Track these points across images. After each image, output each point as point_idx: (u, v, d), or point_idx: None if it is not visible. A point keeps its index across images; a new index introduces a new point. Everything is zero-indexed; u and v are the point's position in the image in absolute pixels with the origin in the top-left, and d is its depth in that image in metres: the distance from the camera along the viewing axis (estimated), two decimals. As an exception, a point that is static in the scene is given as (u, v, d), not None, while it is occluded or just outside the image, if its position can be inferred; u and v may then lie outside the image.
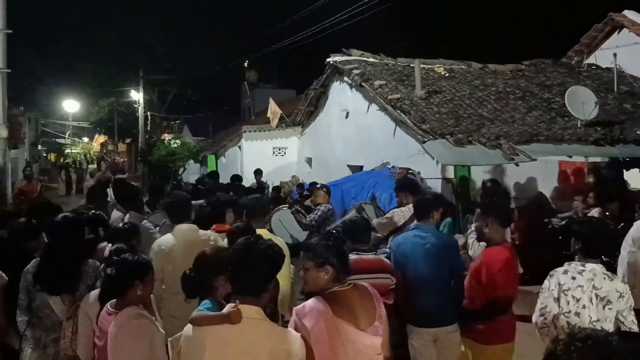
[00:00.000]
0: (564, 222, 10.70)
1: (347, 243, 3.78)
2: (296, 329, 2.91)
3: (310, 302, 3.01)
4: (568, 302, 3.88)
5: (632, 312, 3.89)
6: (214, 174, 13.17)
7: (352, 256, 4.34)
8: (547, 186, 11.24)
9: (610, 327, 3.81)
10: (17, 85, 25.20)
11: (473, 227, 6.43)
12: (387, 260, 4.61)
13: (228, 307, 2.62)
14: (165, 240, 5.05)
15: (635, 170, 12.24)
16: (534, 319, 4.12)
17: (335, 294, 3.04)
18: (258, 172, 14.08)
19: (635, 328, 3.79)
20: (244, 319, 2.57)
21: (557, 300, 3.93)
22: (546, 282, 4.05)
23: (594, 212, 9.31)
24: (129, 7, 35.46)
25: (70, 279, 4.33)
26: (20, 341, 4.39)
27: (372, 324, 3.11)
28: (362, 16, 16.16)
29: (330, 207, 8.01)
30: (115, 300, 3.52)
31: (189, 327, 2.74)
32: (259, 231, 4.95)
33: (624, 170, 12.34)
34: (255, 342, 2.56)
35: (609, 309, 3.83)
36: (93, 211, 6.35)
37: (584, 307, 3.84)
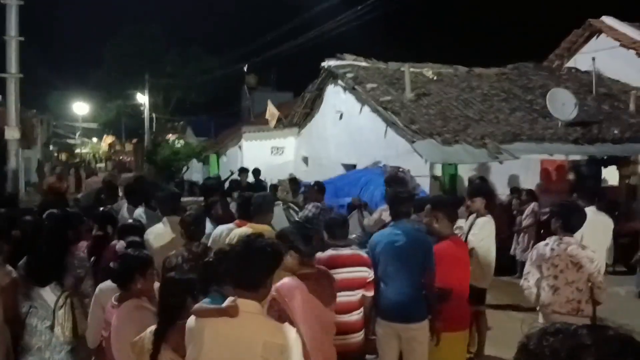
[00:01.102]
0: (546, 217, 10.71)
1: (319, 234, 3.94)
2: (274, 303, 3.06)
3: (288, 280, 3.32)
4: (548, 268, 4.60)
5: (601, 274, 4.65)
6: (244, 170, 13.14)
7: (330, 252, 4.38)
8: (529, 183, 11.24)
9: (583, 287, 4.55)
10: (30, 89, 25.15)
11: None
12: (365, 255, 4.55)
13: (227, 301, 2.61)
14: (158, 228, 5.42)
15: (613, 167, 12.28)
16: (521, 283, 4.88)
17: (305, 275, 3.47)
18: (256, 172, 14.04)
19: (602, 286, 4.59)
20: (242, 313, 2.55)
21: (539, 267, 4.66)
22: (530, 253, 4.81)
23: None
24: (135, 15, 35.42)
25: (55, 271, 4.44)
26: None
27: (332, 303, 3.55)
28: (356, 23, 16.16)
29: (321, 206, 7.85)
30: (118, 294, 3.51)
31: (191, 318, 2.72)
32: (262, 227, 4.91)
33: (602, 168, 12.38)
34: (250, 335, 2.54)
35: (582, 272, 4.53)
36: (102, 209, 6.36)
37: (561, 271, 4.56)
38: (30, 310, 4.39)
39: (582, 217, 4.83)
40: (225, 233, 5.16)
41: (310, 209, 7.76)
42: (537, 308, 4.90)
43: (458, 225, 6.40)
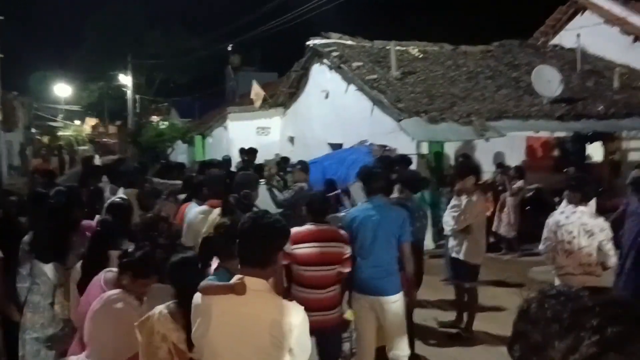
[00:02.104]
0: (531, 193, 10.81)
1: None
2: None
3: None
4: (562, 234, 5.05)
5: (611, 242, 4.96)
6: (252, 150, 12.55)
7: (308, 226, 4.43)
8: (515, 160, 11.30)
9: (594, 253, 4.95)
10: (10, 71, 24.75)
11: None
12: (342, 231, 4.57)
13: (234, 279, 2.57)
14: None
15: (597, 144, 12.37)
16: (540, 248, 5.39)
17: None
18: (244, 152, 13.93)
19: (612, 253, 4.97)
20: (249, 291, 2.51)
21: (554, 233, 5.10)
22: (548, 220, 5.22)
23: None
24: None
25: (60, 249, 4.45)
26: (23, 307, 4.48)
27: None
28: (340, 1, 16.00)
29: (305, 186, 7.79)
30: (113, 275, 3.44)
31: (197, 296, 2.70)
32: None
33: (587, 144, 12.48)
34: (257, 313, 2.51)
35: (593, 239, 4.92)
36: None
37: (574, 237, 4.98)
38: (32, 287, 4.41)
39: (596, 187, 5.60)
40: (201, 214, 5.19)
41: (289, 191, 7.74)
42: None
43: (455, 204, 6.43)
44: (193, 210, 5.46)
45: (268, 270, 2.60)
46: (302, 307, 2.62)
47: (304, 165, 8.09)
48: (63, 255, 4.43)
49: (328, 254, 4.35)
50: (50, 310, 4.37)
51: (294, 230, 4.23)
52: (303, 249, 4.32)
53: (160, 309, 3.01)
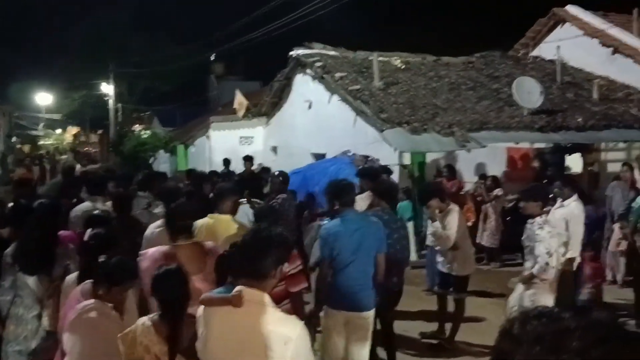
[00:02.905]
0: (512, 204, 10.89)
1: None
2: None
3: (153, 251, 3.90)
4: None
5: (544, 251, 5.17)
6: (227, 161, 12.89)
7: None
8: (496, 170, 11.40)
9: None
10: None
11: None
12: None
13: (234, 291, 2.60)
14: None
15: (576, 155, 12.52)
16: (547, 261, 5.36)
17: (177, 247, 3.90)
18: (226, 162, 13.91)
19: (539, 260, 5.13)
20: (247, 302, 2.54)
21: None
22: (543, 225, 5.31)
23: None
24: (98, 2, 34.68)
25: (45, 261, 4.41)
26: (4, 319, 4.43)
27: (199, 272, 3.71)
28: (324, 11, 16.08)
29: (286, 197, 7.74)
30: (88, 287, 3.44)
31: (201, 307, 2.75)
32: (223, 218, 4.89)
33: (566, 155, 12.62)
34: (254, 324, 2.52)
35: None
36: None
37: (526, 246, 5.42)
38: (14, 299, 4.35)
39: (545, 194, 5.90)
40: (156, 228, 4.99)
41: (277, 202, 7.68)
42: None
43: (434, 229, 6.47)
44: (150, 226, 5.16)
45: (267, 282, 2.61)
46: (302, 322, 2.63)
47: (284, 177, 8.04)
48: (48, 267, 4.37)
49: None
50: (35, 322, 4.32)
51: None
52: None
53: (144, 320, 3.05)
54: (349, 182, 5.24)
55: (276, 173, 8.30)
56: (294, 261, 4.21)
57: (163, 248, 3.96)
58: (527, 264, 5.40)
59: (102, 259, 3.45)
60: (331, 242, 4.64)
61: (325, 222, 7.03)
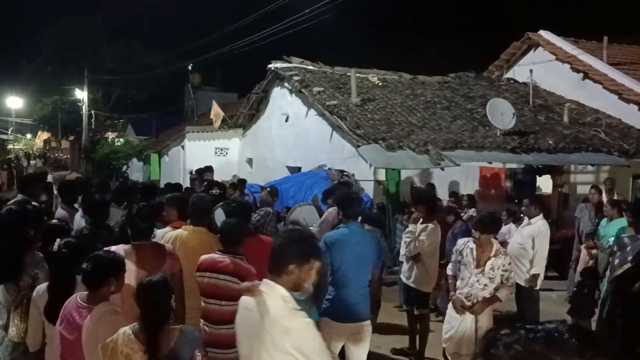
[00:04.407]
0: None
1: None
2: None
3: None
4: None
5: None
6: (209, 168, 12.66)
7: (214, 254, 4.31)
8: (468, 189, 11.56)
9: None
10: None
11: (411, 227, 6.57)
12: (246, 266, 4.25)
13: (256, 284, 2.91)
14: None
15: (547, 176, 12.78)
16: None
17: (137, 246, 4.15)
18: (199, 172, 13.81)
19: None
20: (264, 294, 2.78)
21: None
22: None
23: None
24: (73, 8, 34.33)
25: (12, 269, 4.24)
26: None
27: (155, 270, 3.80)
28: (303, 26, 16.21)
29: (269, 211, 7.79)
30: (86, 294, 3.42)
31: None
32: (199, 229, 4.87)
33: (537, 176, 12.88)
34: (264, 312, 2.75)
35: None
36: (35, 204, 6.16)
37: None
38: None
39: (495, 222, 5.57)
40: (162, 237, 4.98)
41: (260, 215, 7.70)
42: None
43: (409, 230, 6.57)
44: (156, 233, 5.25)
45: (285, 278, 2.81)
46: (310, 320, 2.80)
47: (273, 191, 8.09)
48: (16, 275, 4.24)
49: (220, 288, 4.15)
50: (1, 332, 4.20)
51: (201, 257, 4.30)
52: (200, 278, 4.24)
53: (125, 329, 3.10)
54: (356, 195, 5.32)
55: (268, 188, 8.34)
56: (249, 281, 4.18)
57: (124, 246, 4.16)
58: (466, 290, 5.30)
59: (84, 265, 3.43)
60: (335, 250, 4.67)
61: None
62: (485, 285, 5.22)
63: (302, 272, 2.85)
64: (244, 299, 2.92)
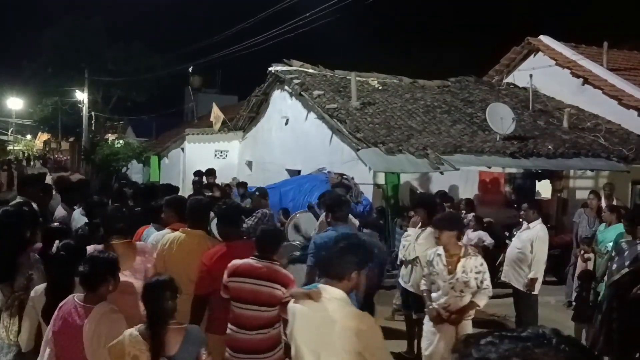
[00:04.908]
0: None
1: None
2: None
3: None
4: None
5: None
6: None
7: (249, 260, 4.16)
8: (467, 193, 11.57)
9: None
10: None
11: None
12: (285, 272, 4.24)
13: (315, 288, 3.02)
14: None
15: (546, 181, 12.79)
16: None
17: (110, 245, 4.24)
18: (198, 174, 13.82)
19: None
20: (324, 298, 2.88)
21: None
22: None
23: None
24: (75, 9, 34.37)
25: (7, 270, 4.26)
26: None
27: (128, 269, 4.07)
28: (304, 29, 16.23)
29: (267, 212, 7.81)
30: (83, 295, 3.45)
31: (291, 301, 3.17)
32: (196, 232, 4.85)
33: (536, 181, 12.89)
34: (329, 316, 2.85)
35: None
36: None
37: None
38: None
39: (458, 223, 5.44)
40: (160, 239, 4.97)
41: (258, 217, 7.71)
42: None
43: (408, 234, 6.58)
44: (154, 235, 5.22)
45: (345, 282, 2.94)
46: (373, 320, 3.00)
47: (262, 192, 8.10)
48: (11, 276, 4.24)
49: (260, 294, 4.05)
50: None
51: (233, 262, 4.17)
52: (236, 283, 4.11)
53: (131, 331, 3.15)
54: (345, 198, 5.32)
55: (256, 192, 8.32)
56: (291, 287, 4.13)
57: (95, 246, 4.33)
58: (443, 300, 5.14)
59: (81, 267, 3.45)
60: (320, 254, 4.67)
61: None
62: (462, 291, 5.04)
63: (360, 276, 2.99)
64: (299, 306, 3.01)
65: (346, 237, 3.20)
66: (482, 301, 5.12)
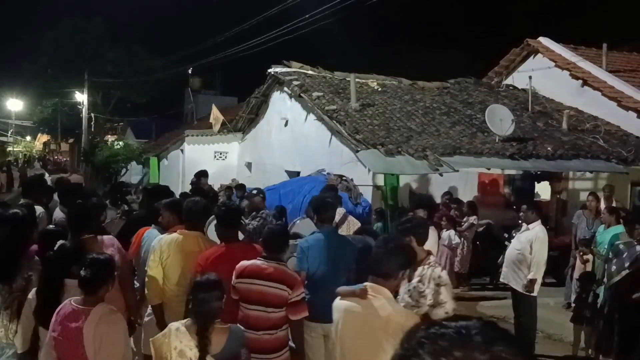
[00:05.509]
0: (482, 229, 11.08)
1: None
2: None
3: None
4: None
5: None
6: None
7: (257, 261, 4.18)
8: (467, 195, 11.56)
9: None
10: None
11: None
12: (292, 273, 4.26)
13: (359, 286, 3.13)
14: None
15: (545, 183, 12.79)
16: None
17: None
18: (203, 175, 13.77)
19: None
20: (372, 296, 3.01)
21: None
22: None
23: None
24: (75, 10, 34.38)
25: (7, 271, 4.26)
26: None
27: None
28: (303, 31, 16.24)
29: (269, 213, 7.80)
30: (81, 298, 3.45)
31: (338, 299, 3.26)
32: (194, 233, 4.84)
33: (536, 183, 12.88)
34: (375, 313, 2.96)
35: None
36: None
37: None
38: None
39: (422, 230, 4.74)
40: (157, 240, 4.97)
41: (257, 219, 7.66)
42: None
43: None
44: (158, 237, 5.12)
45: (391, 281, 3.11)
46: (417, 316, 3.16)
47: (263, 195, 8.08)
48: (10, 277, 4.24)
49: (268, 295, 4.08)
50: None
51: (241, 263, 4.18)
52: (244, 285, 4.13)
53: (177, 325, 3.26)
54: (330, 200, 5.31)
55: (254, 191, 8.30)
56: (297, 288, 4.17)
57: (65, 242, 4.43)
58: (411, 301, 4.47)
59: (82, 271, 3.44)
60: (312, 255, 4.73)
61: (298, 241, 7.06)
62: (417, 301, 4.29)
63: (403, 277, 3.16)
64: (346, 302, 3.13)
65: (394, 238, 3.36)
66: (437, 315, 4.29)
